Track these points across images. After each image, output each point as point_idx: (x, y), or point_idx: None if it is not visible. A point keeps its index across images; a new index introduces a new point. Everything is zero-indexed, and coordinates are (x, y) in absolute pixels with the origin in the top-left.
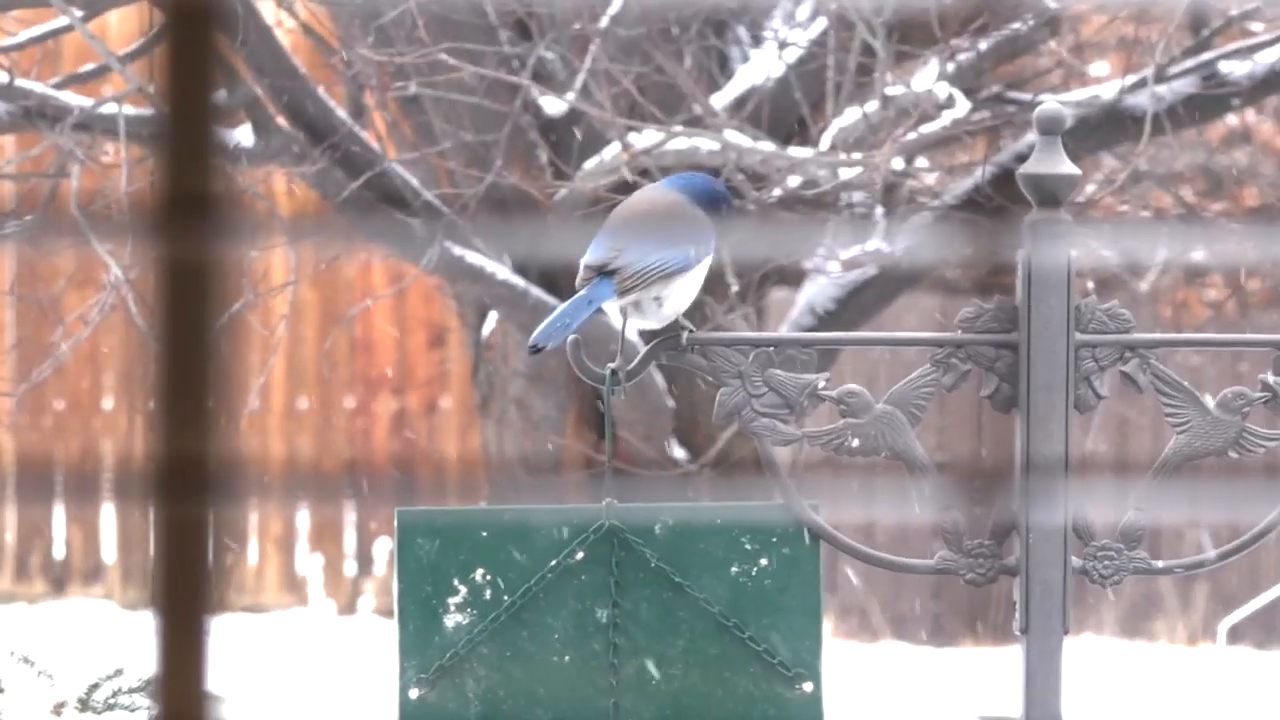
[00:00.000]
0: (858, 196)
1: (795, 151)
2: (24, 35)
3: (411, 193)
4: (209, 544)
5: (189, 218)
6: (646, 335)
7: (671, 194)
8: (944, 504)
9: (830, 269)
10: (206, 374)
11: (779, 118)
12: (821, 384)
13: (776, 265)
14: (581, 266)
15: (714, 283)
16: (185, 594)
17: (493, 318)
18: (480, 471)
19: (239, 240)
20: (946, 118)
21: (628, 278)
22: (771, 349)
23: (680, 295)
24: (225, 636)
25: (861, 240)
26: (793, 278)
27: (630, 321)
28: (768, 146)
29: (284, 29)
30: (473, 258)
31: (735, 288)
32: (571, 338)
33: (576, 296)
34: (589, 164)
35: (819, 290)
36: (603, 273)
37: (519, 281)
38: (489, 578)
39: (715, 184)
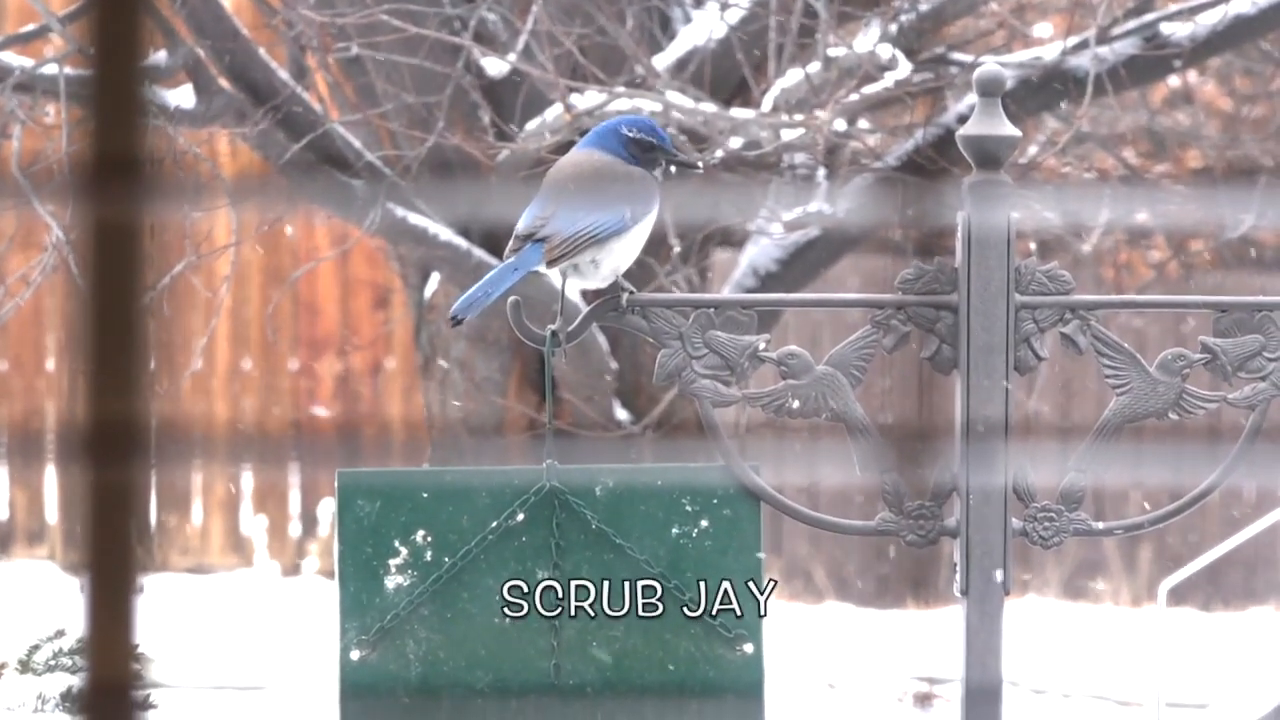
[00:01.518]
0: (800, 158)
1: (737, 113)
2: None
3: (354, 154)
4: (137, 506)
5: (117, 179)
6: (589, 296)
7: (602, 154)
8: (884, 466)
9: (772, 230)
10: (137, 336)
11: (721, 79)
12: (762, 345)
13: (719, 226)
14: (514, 235)
15: (656, 244)
16: (114, 556)
17: (435, 279)
18: (423, 433)
19: (179, 201)
20: (888, 79)
21: (555, 245)
22: (712, 310)
23: (618, 257)
24: (167, 596)
25: (804, 202)
26: (735, 239)
27: (570, 282)
28: (710, 108)
29: None
30: (415, 219)
31: (678, 249)
32: (513, 299)
33: (501, 265)
34: (531, 125)
35: (761, 252)
36: (533, 240)
37: (461, 243)
38: (429, 539)
39: (641, 128)
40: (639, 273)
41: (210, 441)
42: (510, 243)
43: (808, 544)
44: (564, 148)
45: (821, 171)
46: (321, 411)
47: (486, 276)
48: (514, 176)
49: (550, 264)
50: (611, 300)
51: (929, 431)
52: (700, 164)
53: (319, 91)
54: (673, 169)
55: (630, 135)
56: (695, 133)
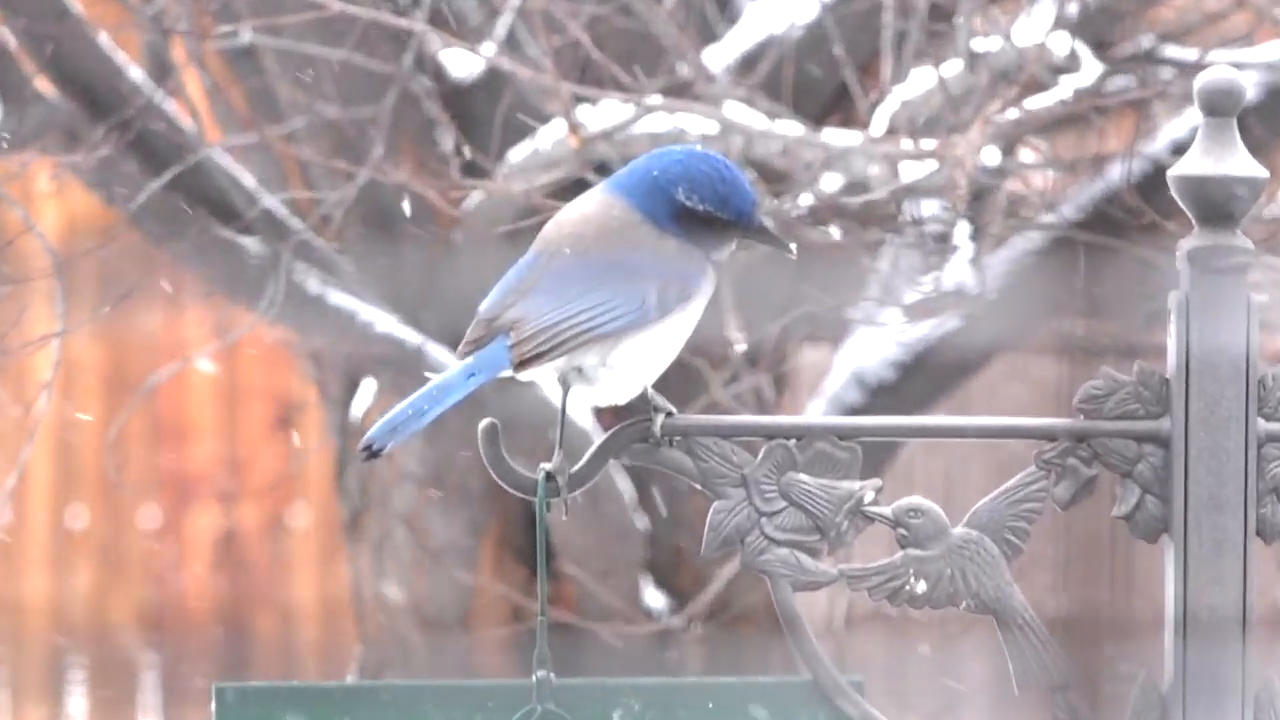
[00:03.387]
0: (930, 208)
1: (833, 137)
2: None
3: (244, 196)
4: None
5: None
6: (606, 418)
7: (627, 207)
8: (1056, 680)
9: (887, 318)
10: None
11: (808, 86)
12: (870, 496)
13: (805, 312)
14: (474, 320)
15: (709, 338)
16: None
17: (368, 390)
18: (349, 625)
19: None
20: (1065, 86)
21: (525, 337)
22: (794, 442)
23: (640, 359)
24: None
25: (935, 275)
26: (830, 332)
27: (575, 395)
28: (791, 129)
29: None
30: (338, 298)
31: (741, 346)
32: (486, 422)
33: (450, 371)
34: (517, 153)
35: (870, 351)
36: (499, 328)
37: (409, 335)
38: None
39: (699, 187)
40: (681, 383)
41: (20, 640)
42: (468, 331)
43: None
44: (568, 190)
45: (963, 228)
46: (194, 591)
47: (426, 386)
48: (490, 232)
49: (520, 366)
50: (638, 426)
51: (1125, 628)
52: (793, 248)
53: (190, 100)
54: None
55: (680, 198)
56: (768, 167)
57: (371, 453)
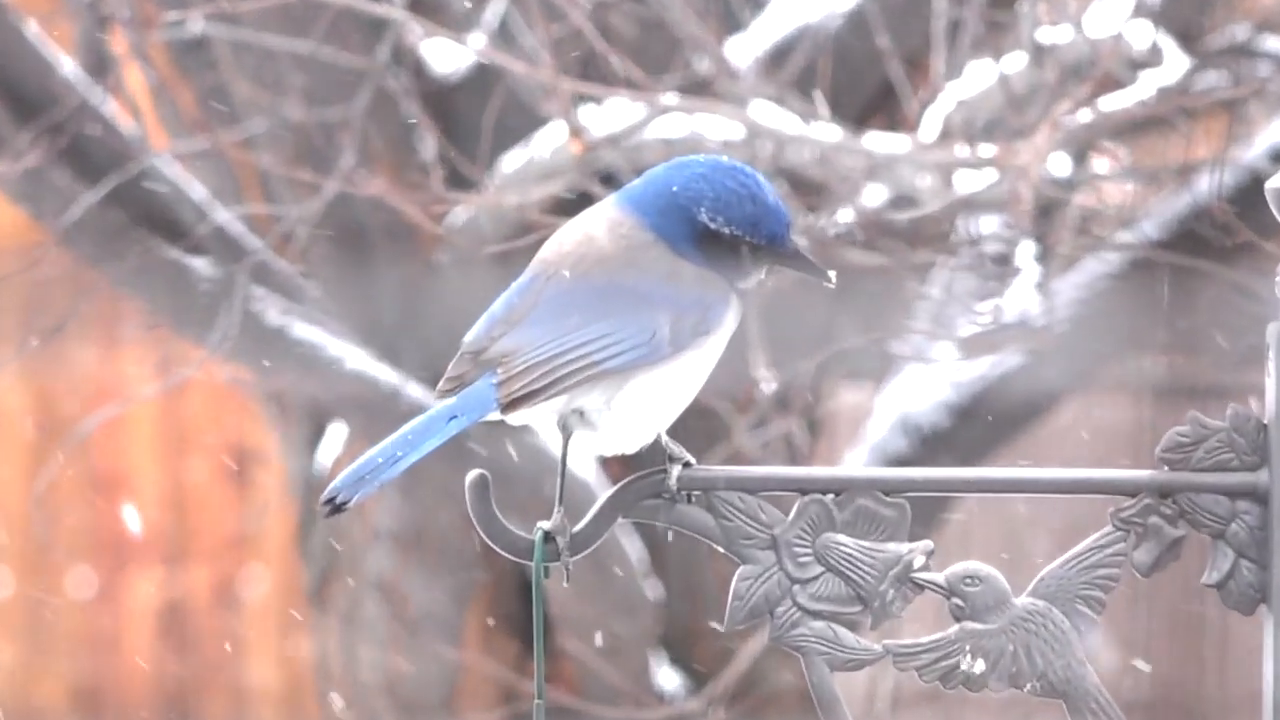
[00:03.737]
0: (989, 224)
1: (877, 142)
2: None
3: (193, 211)
4: None
5: None
6: (614, 469)
7: (637, 225)
8: None
9: (939, 353)
10: None
11: (848, 83)
12: (919, 561)
13: (844, 346)
14: (458, 354)
15: (732, 376)
16: None
17: (336, 436)
18: (313, 708)
19: None
20: (1147, 84)
21: (514, 374)
22: (831, 497)
23: (650, 401)
24: None
25: (995, 302)
26: (873, 369)
27: (577, 443)
28: (828, 133)
29: None
30: (303, 330)
31: (770, 385)
32: (475, 474)
33: (428, 412)
34: (510, 161)
35: (919, 391)
36: (484, 363)
37: (384, 373)
38: None
39: (722, 205)
40: (700, 429)
41: None
42: (450, 366)
43: None
44: (570, 205)
45: (1027, 248)
46: (134, 669)
47: (401, 430)
48: (479, 253)
49: (509, 407)
50: (650, 478)
51: (1216, 713)
52: (832, 276)
53: (132, 100)
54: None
55: (702, 219)
56: (801, 177)
57: (335, 506)
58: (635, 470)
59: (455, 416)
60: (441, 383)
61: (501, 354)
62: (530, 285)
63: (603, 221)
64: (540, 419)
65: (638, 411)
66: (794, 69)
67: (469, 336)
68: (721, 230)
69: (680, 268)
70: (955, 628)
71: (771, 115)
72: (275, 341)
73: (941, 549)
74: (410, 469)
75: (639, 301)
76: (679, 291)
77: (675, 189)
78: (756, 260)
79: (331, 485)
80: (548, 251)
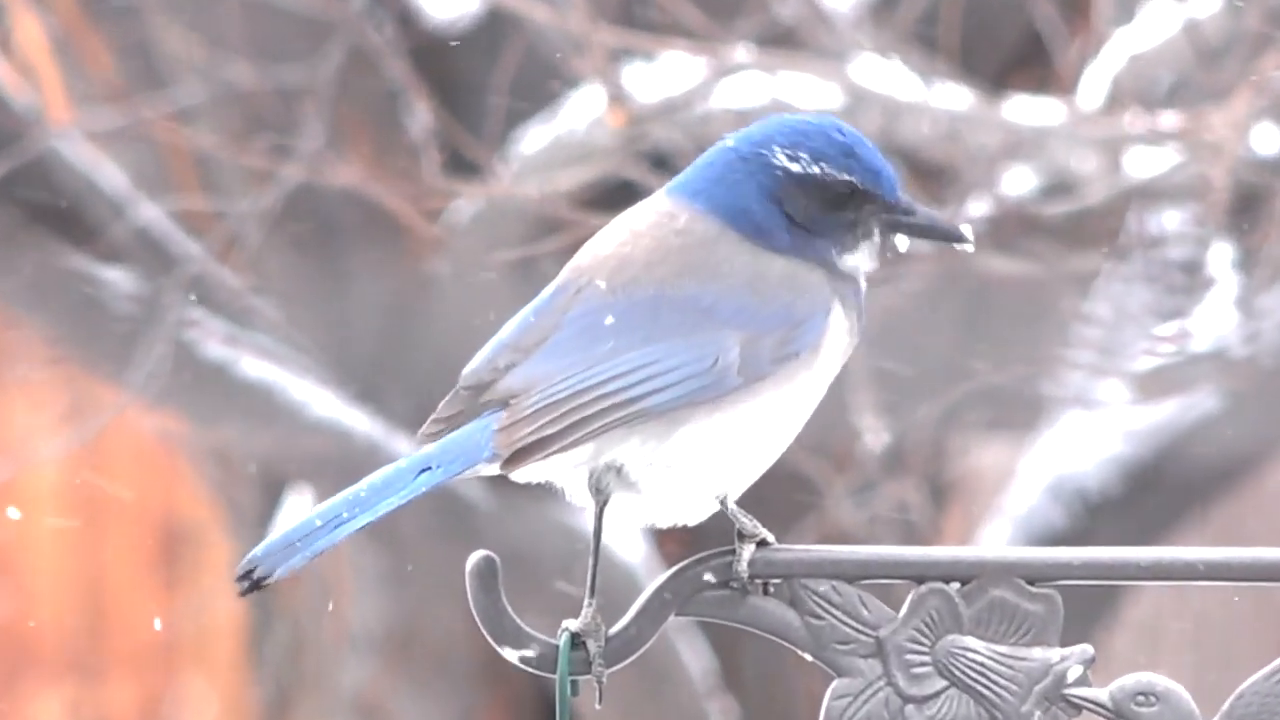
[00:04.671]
0: (1172, 220)
1: (1021, 111)
2: None
3: (107, 205)
4: None
5: None
6: (670, 545)
7: (697, 215)
8: None
9: (1107, 395)
10: None
11: (981, 31)
12: (1077, 671)
13: (978, 386)
14: (457, 386)
15: (828, 424)
16: None
17: (297, 507)
18: None
19: None
20: None
21: (522, 419)
22: (957, 586)
23: (711, 454)
24: None
25: (1182, 324)
26: (1018, 415)
27: (614, 511)
28: (956, 99)
29: None
30: (253, 365)
31: (879, 438)
32: (478, 557)
33: (396, 463)
34: (530, 141)
35: (1080, 446)
36: (487, 402)
37: (361, 421)
38: None
39: (810, 122)
40: (784, 494)
41: None
42: (441, 404)
43: None
44: (610, 196)
45: (1223, 252)
46: None
47: (358, 485)
48: (490, 260)
49: (511, 460)
50: (715, 560)
51: None
52: (969, 235)
53: (27, 62)
54: (897, 247)
55: (779, 161)
56: (920, 157)
57: (253, 583)
58: (696, 550)
59: (429, 469)
60: (426, 424)
61: (509, 391)
62: (553, 301)
63: (650, 215)
64: (564, 477)
65: (694, 467)
66: (909, 15)
67: (469, 368)
68: (809, 171)
69: (761, 263)
70: None
71: (879, 76)
72: (217, 381)
73: (1108, 657)
74: (396, 548)
75: (698, 317)
76: (757, 299)
77: (743, 151)
78: (862, 220)
79: (251, 554)
80: (582, 258)
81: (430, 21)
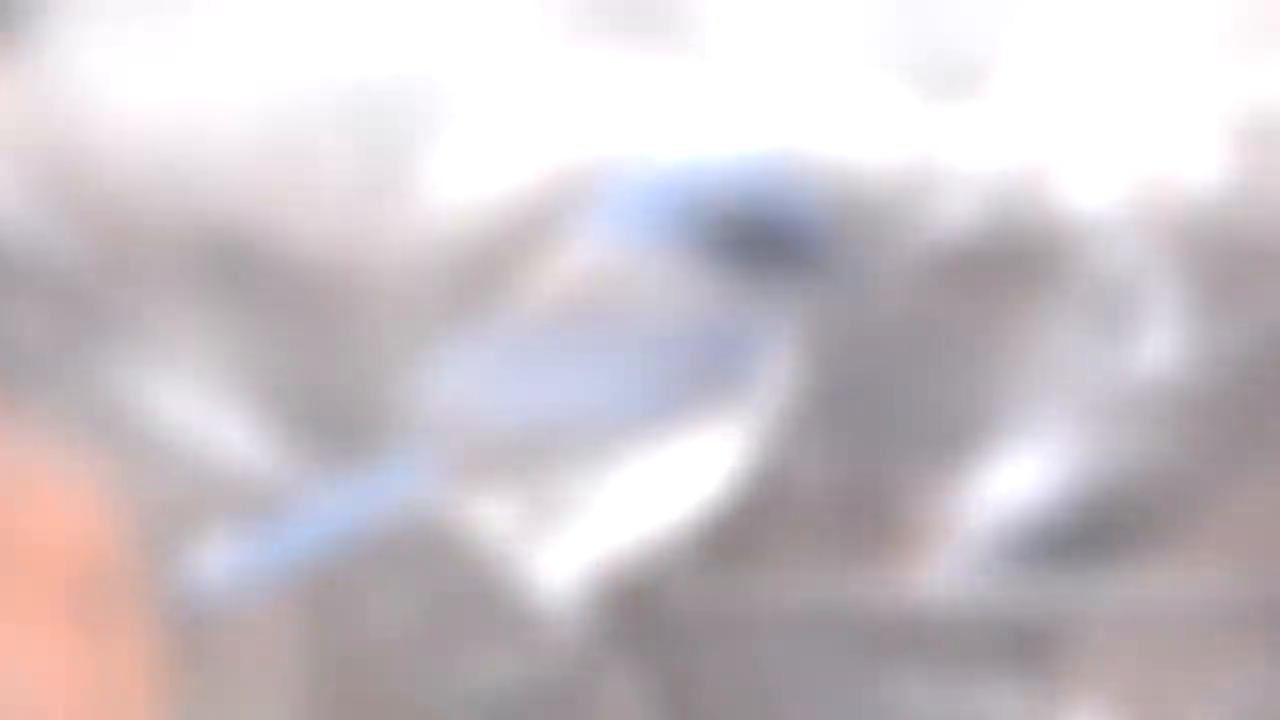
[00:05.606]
0: (1115, 238)
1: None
2: None
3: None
4: None
5: None
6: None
7: (613, 228)
8: None
9: (1057, 423)
10: None
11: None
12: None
13: (923, 424)
14: (367, 421)
15: (759, 468)
16: None
17: (221, 546)
18: None
19: None
20: None
21: (445, 451)
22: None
23: (645, 490)
24: None
25: (1133, 348)
26: (957, 453)
27: (544, 548)
28: (899, 105)
29: None
30: (167, 393)
31: (814, 480)
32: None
33: (298, 503)
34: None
35: (1027, 483)
36: (407, 433)
37: (284, 455)
38: None
39: (736, 161)
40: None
41: None
42: (354, 438)
43: None
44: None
45: (1165, 275)
46: None
47: (297, 517)
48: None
49: (435, 496)
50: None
51: None
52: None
53: None
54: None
55: (715, 207)
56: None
57: (180, 623)
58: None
59: (341, 509)
60: (337, 461)
61: (433, 421)
62: (480, 328)
63: (580, 234)
64: (491, 519)
65: (627, 505)
66: None
67: (389, 396)
68: (744, 226)
69: (688, 291)
70: None
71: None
72: (123, 413)
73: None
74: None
75: (632, 342)
76: (684, 326)
77: (668, 177)
78: (793, 264)
79: (175, 594)
80: (507, 278)
81: None
